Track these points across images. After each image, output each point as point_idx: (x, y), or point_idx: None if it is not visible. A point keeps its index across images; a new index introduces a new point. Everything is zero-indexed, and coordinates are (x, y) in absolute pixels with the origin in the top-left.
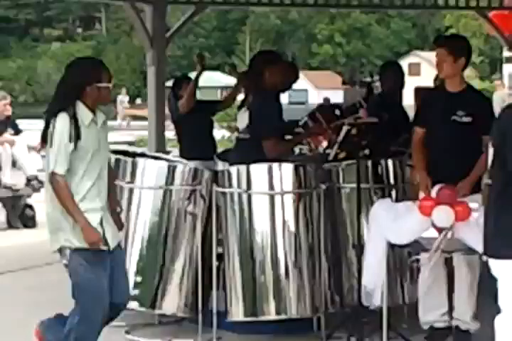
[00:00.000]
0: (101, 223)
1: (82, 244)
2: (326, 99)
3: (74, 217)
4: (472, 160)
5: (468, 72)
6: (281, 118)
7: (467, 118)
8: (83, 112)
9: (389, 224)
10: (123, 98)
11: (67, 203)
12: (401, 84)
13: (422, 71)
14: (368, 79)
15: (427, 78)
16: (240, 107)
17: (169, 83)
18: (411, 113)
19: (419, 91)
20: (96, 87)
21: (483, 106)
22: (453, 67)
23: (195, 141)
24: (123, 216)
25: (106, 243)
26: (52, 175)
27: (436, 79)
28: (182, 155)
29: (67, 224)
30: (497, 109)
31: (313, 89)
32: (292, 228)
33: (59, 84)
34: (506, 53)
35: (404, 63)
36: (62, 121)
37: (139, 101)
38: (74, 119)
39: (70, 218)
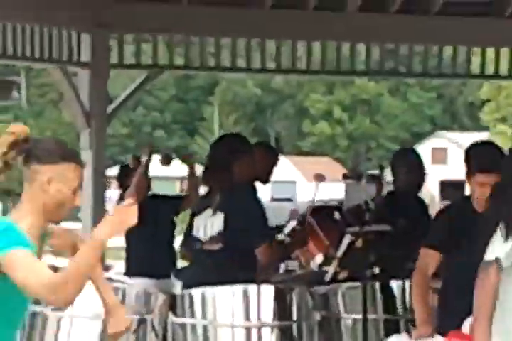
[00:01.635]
0: None
1: None
2: (319, 177)
3: None
4: None
5: None
6: (266, 220)
7: None
8: None
9: None
10: None
11: None
12: (420, 179)
13: (449, 157)
14: (378, 172)
15: (455, 167)
16: (198, 210)
17: (110, 171)
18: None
19: (446, 186)
20: None
21: None
22: None
23: (148, 252)
24: None
25: None
26: None
27: None
28: (128, 270)
29: None
30: None
31: (304, 182)
32: None
33: None
34: None
35: (427, 147)
36: None
37: None
38: None
39: None
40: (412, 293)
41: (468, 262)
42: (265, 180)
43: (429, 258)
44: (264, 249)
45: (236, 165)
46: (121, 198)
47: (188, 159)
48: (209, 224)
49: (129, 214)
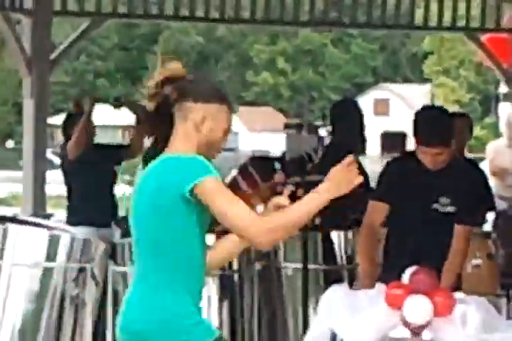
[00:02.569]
0: None
1: None
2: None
3: None
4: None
5: None
6: None
7: (451, 207)
8: None
9: (345, 318)
10: None
11: None
12: (360, 131)
13: (391, 109)
14: (320, 122)
15: (397, 118)
16: (146, 158)
17: (52, 120)
18: (374, 167)
19: (388, 138)
20: None
21: (471, 190)
22: (450, 154)
23: (89, 201)
24: None
25: None
26: None
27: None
28: (69, 219)
29: None
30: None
31: (247, 132)
32: (215, 317)
33: None
34: (503, 89)
35: (369, 98)
36: None
37: (10, 143)
38: None
39: None
40: (358, 246)
41: (410, 214)
42: None
43: (376, 211)
44: None
45: None
46: (64, 147)
47: (133, 106)
48: None
49: (352, 173)
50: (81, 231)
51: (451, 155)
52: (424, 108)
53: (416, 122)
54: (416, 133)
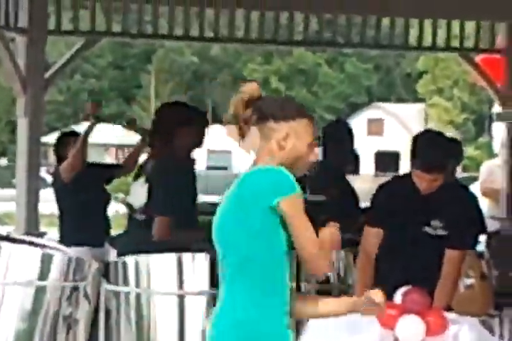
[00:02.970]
0: None
1: None
2: None
3: None
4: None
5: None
6: (192, 193)
7: (442, 230)
8: None
9: (339, 338)
10: None
11: None
12: (350, 152)
13: (385, 129)
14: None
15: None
16: (136, 176)
17: (46, 138)
18: (367, 186)
19: (381, 157)
20: None
21: (462, 214)
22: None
23: (82, 220)
24: None
25: None
26: None
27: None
28: (62, 238)
29: None
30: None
31: (240, 151)
32: None
33: None
34: (497, 108)
35: (363, 118)
36: None
37: (3, 161)
38: None
39: None
40: (356, 272)
41: (401, 236)
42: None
43: (372, 236)
44: (159, 221)
45: (177, 135)
46: (57, 167)
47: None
48: (141, 193)
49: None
50: (74, 251)
51: (443, 179)
52: (424, 132)
53: (415, 146)
54: (414, 158)
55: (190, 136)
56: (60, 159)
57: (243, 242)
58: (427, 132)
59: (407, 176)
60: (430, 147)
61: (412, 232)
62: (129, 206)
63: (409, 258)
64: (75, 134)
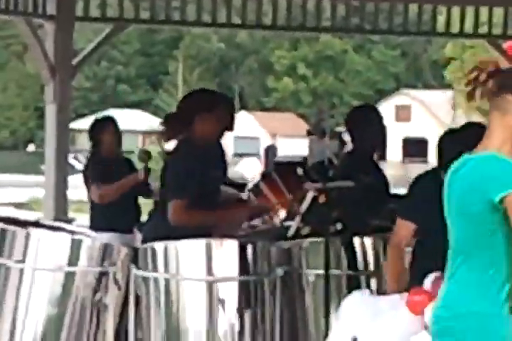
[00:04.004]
0: None
1: None
2: (271, 147)
3: None
4: None
5: None
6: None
7: None
8: None
9: (366, 324)
10: None
11: None
12: (380, 137)
13: (412, 115)
14: (342, 128)
15: (419, 124)
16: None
17: (74, 124)
18: (395, 173)
19: (409, 144)
20: None
21: None
22: None
23: (113, 206)
24: (9, 305)
25: None
26: None
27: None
28: (93, 224)
29: None
30: None
31: (268, 138)
32: (236, 327)
33: None
34: None
35: (391, 105)
36: None
37: (31, 147)
38: None
39: None
40: (386, 266)
41: (436, 234)
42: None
43: (404, 230)
44: (173, 206)
45: (197, 121)
46: (93, 153)
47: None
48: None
49: None
50: (104, 237)
51: None
52: (448, 132)
53: (440, 145)
54: (439, 157)
55: (211, 122)
56: (95, 144)
57: (462, 231)
58: (451, 132)
59: (439, 170)
60: (453, 144)
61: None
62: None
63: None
64: (110, 119)
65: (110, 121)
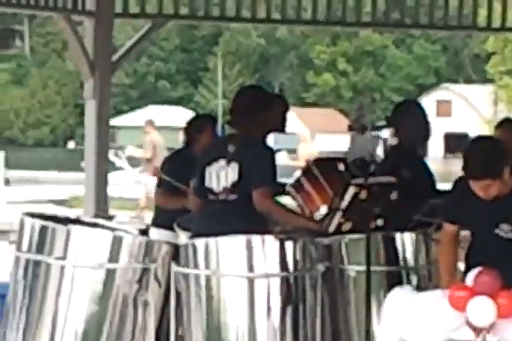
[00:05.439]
0: None
1: None
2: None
3: None
4: None
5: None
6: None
7: None
8: None
9: (408, 320)
10: None
11: None
12: (424, 133)
13: (453, 110)
14: (383, 124)
15: (460, 119)
16: (209, 161)
17: (114, 121)
18: (437, 168)
19: (450, 139)
20: None
21: None
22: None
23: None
24: (50, 302)
25: None
26: None
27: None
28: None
29: None
30: None
31: (308, 133)
32: (277, 323)
33: None
34: None
35: (432, 100)
36: None
37: (71, 144)
38: None
39: None
40: (440, 262)
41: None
42: (282, 129)
43: (449, 232)
44: (261, 192)
45: (260, 117)
46: (187, 148)
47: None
48: (222, 175)
49: None
50: (161, 233)
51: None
52: (474, 140)
53: (464, 155)
54: (463, 166)
55: (267, 121)
56: (189, 141)
57: None
58: (476, 140)
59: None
60: (477, 155)
61: (484, 234)
62: (207, 189)
63: (485, 259)
64: (209, 117)
65: (211, 119)
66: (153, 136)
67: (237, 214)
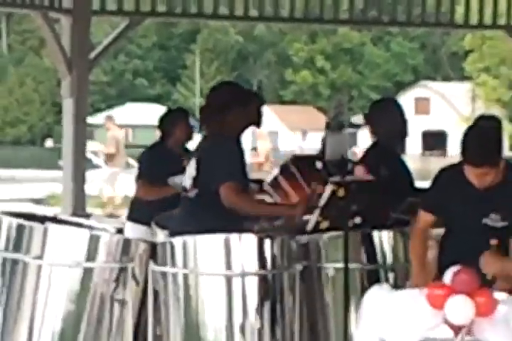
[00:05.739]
0: None
1: None
2: None
3: None
4: None
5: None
6: (245, 173)
7: (503, 222)
8: None
9: (386, 318)
10: None
11: None
12: (402, 130)
13: (432, 108)
14: (361, 121)
15: (438, 117)
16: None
17: (91, 119)
18: (415, 166)
19: (428, 137)
20: None
21: None
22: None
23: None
24: (27, 301)
25: None
26: None
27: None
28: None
29: None
30: None
31: (286, 131)
32: (255, 322)
33: None
34: None
35: (409, 97)
36: None
37: (49, 142)
38: None
39: None
40: (410, 255)
41: (461, 226)
42: (258, 125)
43: (423, 222)
44: (227, 187)
45: (235, 114)
46: (161, 142)
47: None
48: (189, 173)
49: None
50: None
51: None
52: (473, 125)
53: (463, 140)
54: (462, 152)
55: (243, 117)
56: (164, 135)
57: None
58: (477, 124)
59: (460, 165)
60: (478, 140)
61: (472, 223)
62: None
63: (468, 248)
64: (182, 111)
65: (184, 113)
66: (115, 131)
67: (202, 210)
